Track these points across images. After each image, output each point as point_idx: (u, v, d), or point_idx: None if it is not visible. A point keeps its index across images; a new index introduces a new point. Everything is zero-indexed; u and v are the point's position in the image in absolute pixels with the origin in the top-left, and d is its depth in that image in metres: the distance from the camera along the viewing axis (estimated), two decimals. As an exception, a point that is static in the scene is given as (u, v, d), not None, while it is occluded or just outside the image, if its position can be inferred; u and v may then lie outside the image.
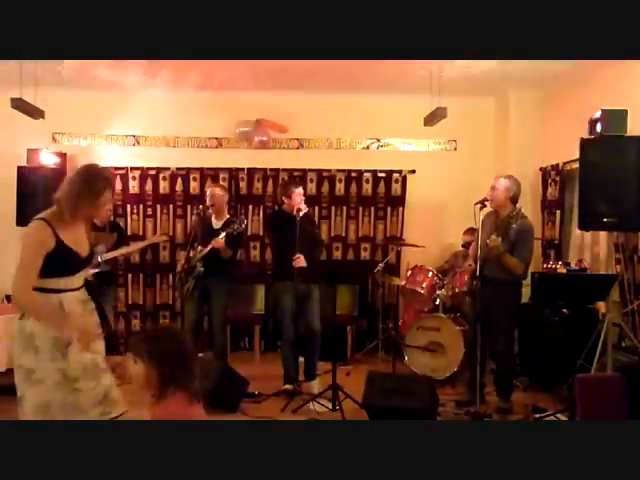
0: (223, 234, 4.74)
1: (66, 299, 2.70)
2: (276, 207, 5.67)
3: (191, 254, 4.92)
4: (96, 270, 4.74)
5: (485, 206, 4.32)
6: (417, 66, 5.24)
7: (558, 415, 3.99)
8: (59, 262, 2.66)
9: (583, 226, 4.32)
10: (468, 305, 4.97)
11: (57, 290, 2.67)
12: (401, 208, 6.53)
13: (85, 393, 2.65)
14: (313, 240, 4.90)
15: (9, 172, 5.94)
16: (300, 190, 4.83)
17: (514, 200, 4.43)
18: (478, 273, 4.29)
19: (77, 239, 2.75)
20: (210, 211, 5.07)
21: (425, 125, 5.58)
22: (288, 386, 4.75)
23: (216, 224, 5.01)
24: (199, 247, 4.91)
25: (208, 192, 5.11)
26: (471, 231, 5.28)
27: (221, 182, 6.36)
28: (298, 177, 6.42)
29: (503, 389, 4.46)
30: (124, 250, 5.43)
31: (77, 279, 2.76)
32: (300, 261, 4.58)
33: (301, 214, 4.66)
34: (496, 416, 4.26)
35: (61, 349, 2.61)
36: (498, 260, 4.27)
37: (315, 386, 4.80)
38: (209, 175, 6.45)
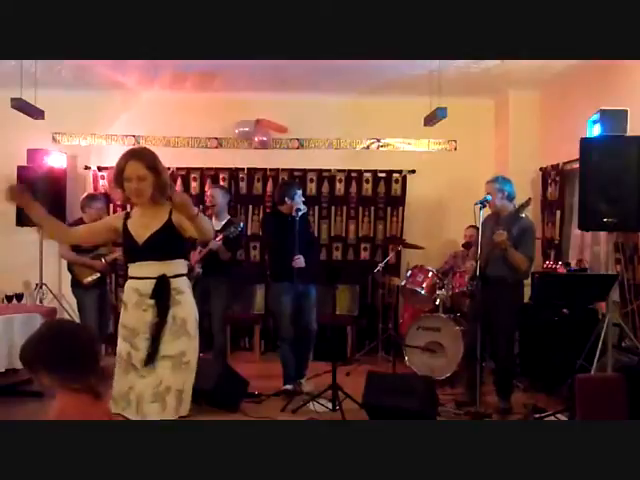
0: (220, 237, 4.75)
1: (126, 285, 2.75)
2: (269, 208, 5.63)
3: (191, 255, 4.92)
4: None
5: (485, 206, 4.31)
6: (417, 66, 5.24)
7: (558, 415, 3.98)
8: (124, 247, 2.81)
9: (583, 226, 4.32)
10: (468, 305, 4.95)
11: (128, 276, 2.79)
12: (401, 208, 6.52)
13: (116, 381, 2.68)
14: (310, 240, 4.92)
15: (9, 172, 5.94)
16: (301, 191, 4.90)
17: (510, 198, 4.45)
18: (478, 273, 4.29)
19: (142, 225, 2.72)
20: (210, 212, 5.08)
21: (425, 125, 5.57)
22: (288, 386, 4.75)
23: (216, 225, 5.01)
24: (199, 248, 4.91)
25: (208, 193, 5.12)
26: (473, 227, 5.27)
27: (221, 182, 6.37)
28: (298, 177, 6.43)
29: (503, 389, 4.45)
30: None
31: (140, 267, 2.70)
32: (300, 261, 4.58)
33: (300, 214, 4.66)
34: (496, 416, 4.26)
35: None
36: (503, 258, 4.27)
37: (304, 385, 4.83)
38: (209, 175, 6.45)
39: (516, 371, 4.91)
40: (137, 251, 2.70)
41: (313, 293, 4.84)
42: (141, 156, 2.67)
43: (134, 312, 2.68)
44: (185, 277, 2.77)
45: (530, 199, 4.41)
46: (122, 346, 2.70)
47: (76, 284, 5.12)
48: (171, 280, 2.67)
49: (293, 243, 4.58)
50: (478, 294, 4.30)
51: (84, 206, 5.23)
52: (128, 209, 2.89)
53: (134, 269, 2.73)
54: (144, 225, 2.72)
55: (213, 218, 5.07)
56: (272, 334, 6.38)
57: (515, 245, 4.26)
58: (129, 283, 2.74)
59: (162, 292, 2.64)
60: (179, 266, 2.75)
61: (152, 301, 2.65)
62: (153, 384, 2.61)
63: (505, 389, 4.46)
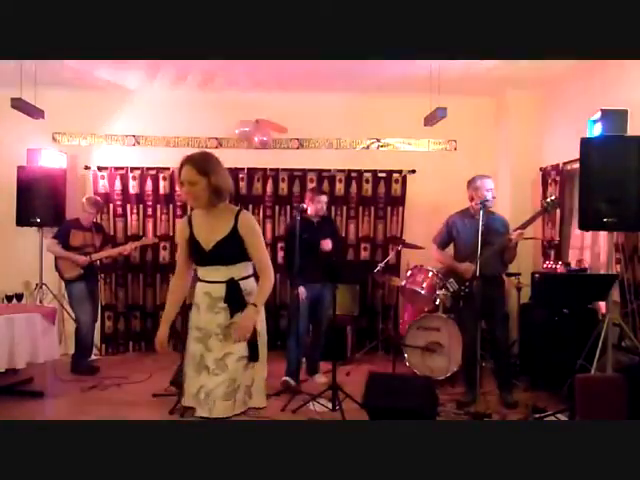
0: None
1: (197, 288, 2.87)
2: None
3: None
4: None
5: (485, 206, 4.32)
6: (417, 66, 5.24)
7: (558, 415, 3.98)
8: (190, 250, 2.88)
9: (583, 226, 4.32)
10: (461, 307, 4.81)
11: (196, 278, 2.90)
12: (401, 208, 6.52)
13: (188, 380, 2.81)
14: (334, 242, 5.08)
15: (9, 172, 5.94)
16: (323, 198, 5.08)
17: None
18: (478, 273, 4.31)
19: (207, 229, 2.82)
20: None
21: (425, 125, 5.58)
22: (288, 378, 4.77)
23: None
24: None
25: None
26: None
27: (221, 182, 6.37)
28: (298, 177, 6.43)
29: (507, 384, 4.55)
30: (113, 251, 5.68)
31: (208, 271, 2.82)
32: (327, 244, 4.84)
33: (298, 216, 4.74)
34: (496, 416, 4.26)
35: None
36: (498, 255, 4.40)
37: (320, 378, 5.06)
38: (209, 175, 6.44)
39: (515, 369, 4.94)
40: (204, 256, 2.81)
41: (326, 295, 4.95)
42: (193, 161, 2.76)
43: (206, 314, 2.80)
44: (252, 278, 2.88)
45: (557, 198, 4.62)
46: (196, 347, 2.81)
47: (63, 278, 5.48)
48: (240, 282, 2.80)
49: (313, 244, 4.83)
50: (479, 294, 4.29)
51: (81, 207, 5.48)
52: (189, 211, 3.06)
53: (203, 273, 2.85)
54: (209, 229, 2.82)
55: None
56: (272, 334, 6.40)
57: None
58: (199, 286, 2.86)
59: (234, 296, 2.77)
60: (246, 268, 2.85)
61: (224, 304, 2.77)
62: (227, 383, 2.71)
63: (509, 383, 4.56)
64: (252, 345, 2.76)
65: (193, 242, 2.84)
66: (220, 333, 2.76)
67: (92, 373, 5.35)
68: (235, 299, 2.76)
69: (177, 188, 6.14)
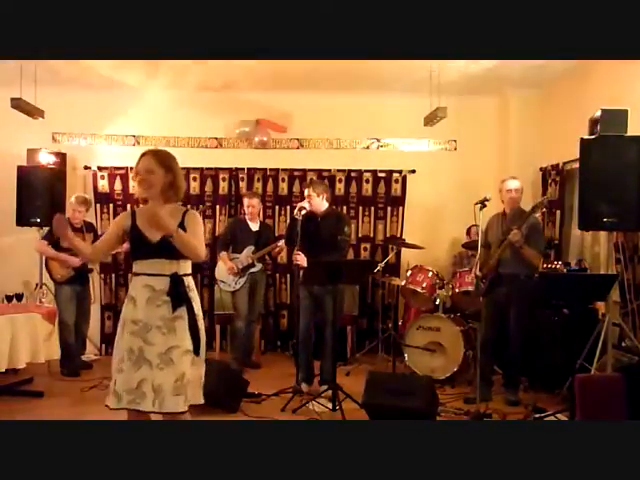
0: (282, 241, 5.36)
1: (135, 282, 2.83)
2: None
3: (240, 254, 5.48)
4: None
5: (485, 206, 4.32)
6: (417, 66, 5.24)
7: (558, 415, 3.98)
8: (132, 244, 2.87)
9: (583, 226, 4.33)
10: (482, 305, 4.82)
11: (134, 273, 2.87)
12: (401, 208, 6.52)
13: (124, 376, 2.71)
14: (331, 242, 4.68)
15: (9, 172, 5.94)
16: (306, 191, 4.82)
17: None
18: (478, 271, 4.32)
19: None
20: (245, 216, 5.65)
21: (425, 125, 5.58)
22: (297, 385, 4.66)
23: (254, 227, 5.60)
24: (251, 248, 5.49)
25: (252, 202, 5.58)
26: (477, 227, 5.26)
27: (221, 182, 6.43)
28: (298, 177, 6.44)
29: (514, 383, 4.58)
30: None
31: (151, 264, 2.77)
32: (298, 258, 4.55)
33: (301, 213, 4.60)
34: (496, 416, 4.26)
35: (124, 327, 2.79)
36: (515, 255, 4.40)
37: (323, 390, 4.62)
38: (209, 175, 6.45)
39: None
40: (149, 249, 2.77)
41: (328, 297, 4.58)
42: (155, 153, 2.85)
43: (146, 308, 2.75)
44: (191, 276, 2.88)
45: (545, 199, 4.59)
46: (132, 341, 2.74)
47: (52, 279, 5.42)
48: (183, 278, 2.80)
49: (302, 243, 4.57)
50: (480, 292, 4.32)
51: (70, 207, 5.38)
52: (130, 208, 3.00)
53: (144, 266, 2.79)
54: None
55: (249, 221, 5.62)
56: (272, 334, 6.42)
57: (526, 242, 4.39)
58: (138, 279, 2.80)
59: (178, 289, 2.75)
60: (188, 265, 2.85)
61: (167, 297, 2.74)
62: (174, 377, 2.67)
63: (515, 382, 4.58)
64: (195, 337, 2.74)
65: (136, 235, 2.82)
66: (163, 326, 2.72)
67: (77, 374, 5.26)
68: (178, 293, 2.75)
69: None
